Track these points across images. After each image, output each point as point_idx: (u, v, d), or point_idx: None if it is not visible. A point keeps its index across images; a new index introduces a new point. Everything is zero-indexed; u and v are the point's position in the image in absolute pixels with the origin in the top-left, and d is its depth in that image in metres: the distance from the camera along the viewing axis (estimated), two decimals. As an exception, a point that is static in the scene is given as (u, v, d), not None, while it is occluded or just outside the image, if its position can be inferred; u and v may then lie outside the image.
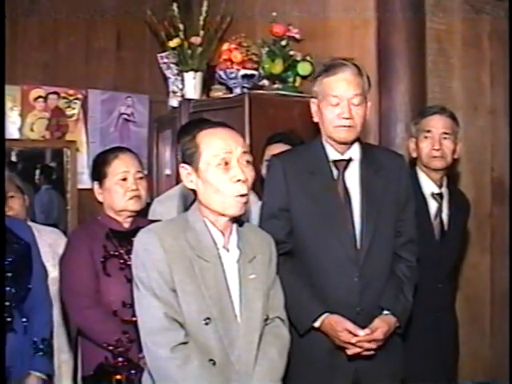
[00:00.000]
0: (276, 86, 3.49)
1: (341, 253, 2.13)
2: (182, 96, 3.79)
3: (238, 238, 1.87)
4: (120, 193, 2.30)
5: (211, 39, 3.74)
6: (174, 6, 3.73)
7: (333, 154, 2.21)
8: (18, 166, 5.23)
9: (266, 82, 3.55)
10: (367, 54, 3.15)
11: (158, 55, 3.97)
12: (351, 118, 2.13)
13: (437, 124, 2.65)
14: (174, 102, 3.86)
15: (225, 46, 3.48)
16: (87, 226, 2.38)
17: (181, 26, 3.73)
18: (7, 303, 2.14)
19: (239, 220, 1.91)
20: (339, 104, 2.13)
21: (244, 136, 3.26)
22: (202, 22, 3.73)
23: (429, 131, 2.66)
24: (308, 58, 3.42)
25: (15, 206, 2.89)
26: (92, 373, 2.20)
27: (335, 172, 2.20)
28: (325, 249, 2.14)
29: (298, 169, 2.19)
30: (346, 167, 2.20)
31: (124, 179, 2.31)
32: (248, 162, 1.84)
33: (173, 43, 3.74)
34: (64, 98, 4.15)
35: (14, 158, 5.06)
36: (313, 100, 2.22)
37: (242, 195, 1.80)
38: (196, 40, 3.70)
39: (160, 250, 1.73)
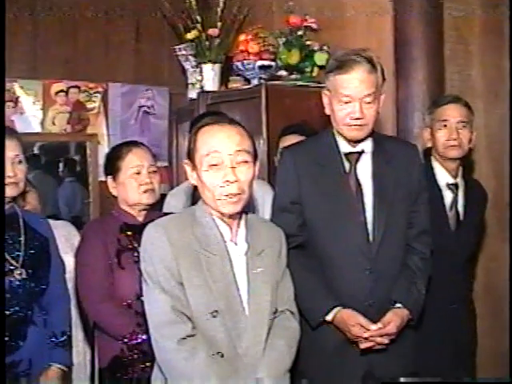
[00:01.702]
0: (293, 76, 3.48)
1: (352, 246, 2.12)
2: (201, 88, 3.80)
3: (246, 232, 1.88)
4: (134, 186, 2.33)
5: (229, 30, 3.74)
6: (192, -1, 3.73)
7: (344, 146, 2.19)
8: (42, 159, 5.34)
9: (283, 73, 3.54)
10: (384, 43, 3.11)
11: (176, 47, 3.98)
12: (363, 117, 2.10)
13: (453, 113, 2.62)
14: (192, 93, 3.88)
15: (242, 37, 3.48)
16: (101, 220, 2.42)
17: (198, 18, 3.74)
18: (27, 297, 2.17)
19: (247, 212, 1.91)
20: (350, 103, 2.09)
21: (261, 127, 3.28)
22: (219, 14, 3.74)
23: (445, 120, 2.62)
24: (325, 47, 3.40)
25: (32, 200, 2.94)
26: (108, 365, 2.23)
27: (347, 165, 2.18)
28: (336, 242, 2.13)
29: (310, 161, 2.18)
30: (357, 160, 2.18)
31: (138, 173, 2.34)
32: (245, 161, 1.81)
33: (190, 35, 3.76)
34: (84, 91, 4.17)
35: (36, 151, 5.18)
36: (325, 92, 2.19)
37: (233, 194, 1.79)
38: (213, 32, 3.70)
39: (167, 244, 1.75)
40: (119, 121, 4.31)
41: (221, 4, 3.72)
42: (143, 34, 4.33)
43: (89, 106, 4.20)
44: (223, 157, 1.78)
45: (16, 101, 3.93)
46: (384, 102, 2.86)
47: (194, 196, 1.91)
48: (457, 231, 2.60)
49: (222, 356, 1.74)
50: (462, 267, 2.61)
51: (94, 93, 4.22)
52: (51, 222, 2.91)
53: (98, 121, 4.25)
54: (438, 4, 2.98)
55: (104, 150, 4.22)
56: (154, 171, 2.39)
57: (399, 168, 2.19)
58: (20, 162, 2.23)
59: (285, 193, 2.20)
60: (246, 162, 1.82)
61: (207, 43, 3.73)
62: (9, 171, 2.15)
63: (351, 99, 2.09)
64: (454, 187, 2.63)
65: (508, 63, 3.03)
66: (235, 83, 3.60)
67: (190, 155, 1.84)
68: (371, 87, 2.09)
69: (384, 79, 2.18)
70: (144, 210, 2.38)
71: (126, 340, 2.16)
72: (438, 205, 2.56)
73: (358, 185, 2.15)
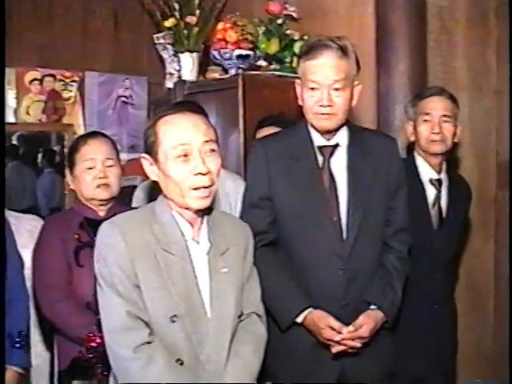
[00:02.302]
0: (272, 66, 3.36)
1: (325, 244, 2.02)
2: (179, 77, 3.68)
3: (209, 230, 1.76)
4: (87, 181, 2.23)
5: (207, 19, 3.61)
6: (170, -15, 3.61)
7: (318, 139, 2.08)
8: (20, 149, 5.22)
9: (262, 63, 3.42)
10: (366, 33, 3.02)
11: (154, 36, 3.86)
12: (331, 105, 1.99)
13: (436, 106, 2.51)
14: (170, 83, 3.77)
15: (219, 26, 3.35)
16: (62, 215, 2.32)
17: (176, 6, 3.61)
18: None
19: (212, 209, 1.80)
20: (318, 90, 1.99)
21: (237, 119, 3.16)
22: (197, 1, 3.61)
23: (428, 114, 2.51)
24: (305, 37, 3.27)
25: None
26: (67, 367, 2.13)
27: (320, 159, 2.07)
28: (308, 240, 2.03)
29: (281, 155, 2.07)
30: (332, 153, 2.08)
31: (91, 167, 2.22)
32: (212, 150, 1.70)
33: (168, 23, 3.62)
34: (60, 80, 4.04)
35: (15, 142, 5.06)
36: (297, 81, 2.09)
37: (205, 187, 1.68)
38: (191, 20, 3.57)
39: (122, 243, 1.63)
40: (96, 111, 4.19)
41: (199, -10, 3.58)
42: (122, 21, 4.19)
43: (65, 95, 4.06)
44: (192, 148, 1.67)
45: (-13, 89, 3.79)
46: (365, 94, 2.76)
47: (154, 193, 1.79)
48: (439, 229, 2.50)
49: (182, 364, 1.63)
50: (444, 266, 2.52)
51: (70, 82, 4.09)
52: (16, 214, 2.81)
53: (75, 111, 4.12)
54: (422, -8, 2.87)
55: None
56: (111, 165, 2.28)
57: (377, 162, 2.09)
58: None
59: (255, 188, 2.10)
60: (214, 150, 1.71)
61: (185, 32, 3.60)
62: None
63: (319, 85, 1.99)
64: (437, 183, 2.53)
65: (494, 57, 2.94)
66: (213, 73, 3.48)
67: (149, 149, 1.71)
68: (341, 73, 1.99)
69: (359, 68, 2.07)
70: (102, 204, 2.28)
71: (83, 341, 2.04)
72: (419, 201, 2.47)
73: (332, 180, 2.05)
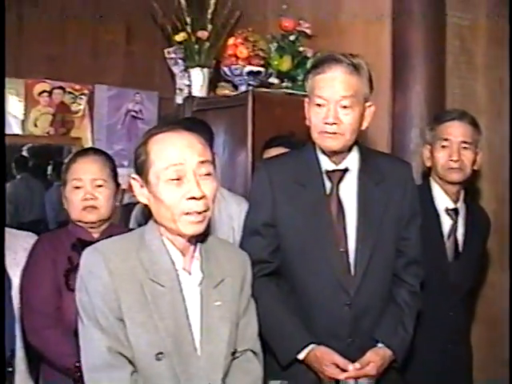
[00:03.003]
0: (284, 84, 3.25)
1: (330, 277, 1.88)
2: (189, 93, 3.59)
3: (202, 259, 1.62)
4: (74, 201, 2.11)
5: (219, 34, 3.52)
6: (182, -1, 3.53)
7: (326, 163, 1.95)
8: (30, 161, 5.16)
9: (275, 81, 3.31)
10: (382, 52, 2.89)
11: (165, 50, 3.78)
12: (337, 123, 1.85)
13: (455, 132, 2.36)
14: (179, 99, 3.67)
15: (230, 41, 3.25)
16: (53, 235, 2.19)
17: (188, 20, 3.53)
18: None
19: (207, 236, 1.67)
20: (325, 106, 1.86)
21: (246, 137, 3.05)
22: (209, 16, 3.52)
23: (446, 139, 2.37)
24: (319, 54, 3.16)
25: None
26: (52, 399, 2.00)
27: (328, 184, 1.93)
28: (312, 272, 1.89)
29: (287, 179, 1.93)
30: (341, 179, 1.94)
31: (77, 187, 2.10)
32: (208, 173, 1.57)
33: (179, 37, 3.55)
34: (70, 93, 3.98)
35: (25, 153, 5.00)
36: (306, 99, 1.97)
37: (198, 212, 1.54)
38: (203, 34, 3.49)
39: (105, 272, 1.49)
40: (105, 125, 4.12)
41: (211, 5, 3.49)
42: (134, 35, 4.12)
43: (74, 108, 3.99)
44: (186, 169, 1.53)
45: (-4, 100, 3.73)
46: (379, 115, 2.64)
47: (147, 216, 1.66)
48: (455, 262, 2.35)
49: (168, 406, 1.49)
50: (459, 302, 2.35)
51: (80, 95, 4.02)
52: (13, 231, 2.70)
53: (83, 124, 4.05)
54: (441, 10, 2.75)
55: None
56: (100, 185, 2.14)
57: (390, 189, 1.95)
58: None
59: (257, 213, 1.96)
60: (210, 174, 1.58)
61: (196, 46, 3.51)
62: None
63: (326, 102, 1.85)
64: (453, 213, 2.38)
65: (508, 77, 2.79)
66: (223, 89, 3.37)
67: (140, 170, 1.58)
68: (350, 89, 1.85)
69: (372, 88, 1.94)
70: (95, 227, 2.15)
71: (68, 372, 1.91)
72: (434, 232, 2.32)
73: (340, 208, 1.91)
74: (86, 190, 2.11)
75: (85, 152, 2.22)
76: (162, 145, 1.55)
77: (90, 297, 1.50)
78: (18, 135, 3.87)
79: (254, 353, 1.70)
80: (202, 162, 1.55)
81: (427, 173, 2.52)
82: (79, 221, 2.14)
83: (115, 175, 2.23)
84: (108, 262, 1.50)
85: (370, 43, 2.98)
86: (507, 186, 2.81)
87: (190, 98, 3.49)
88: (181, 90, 3.74)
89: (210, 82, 3.55)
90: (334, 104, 1.84)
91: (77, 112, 3.99)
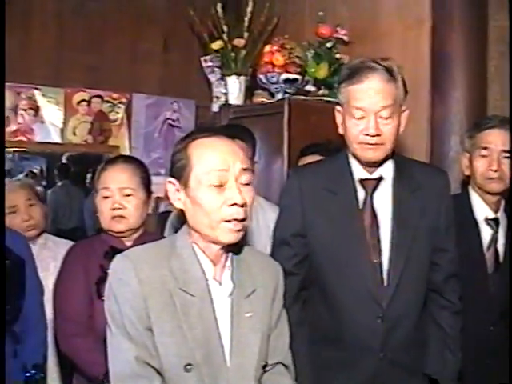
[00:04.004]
0: (321, 92, 3.21)
1: (362, 289, 1.82)
2: (226, 101, 3.59)
3: (233, 269, 1.59)
4: (103, 211, 2.11)
5: (256, 42, 3.51)
6: (219, 7, 3.53)
7: (359, 171, 1.89)
8: (70, 169, 5.24)
9: (311, 88, 3.28)
10: (421, 57, 2.84)
11: (202, 58, 3.79)
12: (379, 134, 1.79)
13: (496, 140, 2.27)
14: (216, 107, 3.67)
15: (267, 48, 3.24)
16: (87, 243, 2.19)
17: (224, 28, 3.52)
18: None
19: (241, 246, 1.63)
20: (364, 118, 1.80)
21: (282, 145, 3.03)
22: (246, 24, 3.51)
23: (486, 148, 2.28)
24: (350, 62, 3.11)
25: (36, 215, 2.77)
26: (83, 407, 2.00)
27: (362, 193, 1.88)
28: (343, 283, 1.84)
29: (318, 186, 1.88)
30: (375, 188, 1.88)
31: (106, 197, 2.10)
32: (248, 183, 1.54)
33: (215, 45, 3.56)
34: (108, 101, 4.02)
35: (64, 161, 5.08)
36: (337, 108, 1.92)
37: (238, 220, 1.51)
38: (239, 42, 3.48)
39: (134, 280, 1.47)
40: (143, 133, 4.15)
41: (248, 13, 3.48)
42: (171, 43, 4.16)
43: (112, 116, 4.04)
44: (228, 176, 1.51)
45: (37, 109, 3.80)
46: (417, 123, 2.58)
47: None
48: (495, 274, 2.25)
49: (196, 418, 1.46)
50: (500, 316, 2.25)
51: (118, 103, 4.07)
52: (55, 239, 2.74)
53: (121, 132, 4.09)
54: (483, 14, 2.67)
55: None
56: (129, 194, 2.12)
57: (426, 198, 1.88)
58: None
59: (286, 222, 1.92)
60: (249, 183, 1.55)
61: (233, 54, 3.51)
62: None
63: (365, 113, 1.79)
64: (493, 223, 2.29)
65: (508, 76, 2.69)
66: (260, 97, 3.37)
67: (178, 174, 1.55)
68: (389, 99, 1.79)
69: (406, 92, 1.88)
70: (125, 236, 2.14)
71: (101, 381, 1.90)
72: (473, 243, 2.23)
73: (374, 217, 1.85)
74: (114, 200, 2.10)
75: (114, 160, 2.21)
76: (205, 149, 1.52)
77: (119, 305, 1.48)
78: (57, 144, 3.92)
79: (286, 366, 1.66)
80: (244, 170, 1.53)
81: (466, 181, 2.44)
82: (109, 230, 2.13)
83: (147, 183, 2.20)
84: (138, 269, 1.48)
85: (409, 49, 2.93)
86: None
87: (226, 105, 3.48)
88: (217, 98, 3.74)
89: (246, 89, 3.55)
90: (373, 115, 1.79)
91: (115, 120, 4.04)
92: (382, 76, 1.79)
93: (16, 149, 3.98)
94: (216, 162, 1.50)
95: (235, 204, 1.49)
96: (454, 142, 2.63)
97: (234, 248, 1.60)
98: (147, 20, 4.04)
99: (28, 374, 2.03)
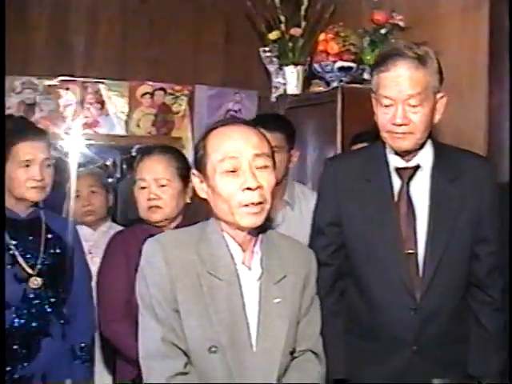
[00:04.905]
0: (377, 79, 3.14)
1: (396, 280, 1.78)
2: (284, 91, 3.59)
3: (262, 254, 1.60)
4: (141, 202, 2.18)
5: (313, 30, 3.48)
6: (276, -4, 3.52)
7: (396, 160, 1.85)
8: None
9: (368, 76, 3.22)
10: (479, 43, 2.71)
11: (261, 49, 3.79)
12: (406, 123, 1.74)
13: None
14: (274, 97, 3.68)
15: (321, 37, 3.20)
16: (130, 230, 2.26)
17: (282, 18, 3.52)
18: (42, 308, 2.06)
19: (271, 231, 1.64)
20: (392, 106, 1.76)
21: (335, 135, 3.00)
22: (303, 13, 3.49)
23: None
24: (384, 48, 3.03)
25: (96, 202, 2.90)
26: (125, 389, 2.07)
27: (398, 182, 1.84)
28: (377, 273, 1.81)
29: (353, 175, 1.86)
30: (411, 176, 1.83)
31: (143, 187, 2.15)
32: (266, 166, 1.55)
33: (272, 35, 3.55)
34: (170, 94, 4.10)
35: (134, 153, 5.21)
36: (373, 95, 1.88)
37: (255, 204, 1.52)
38: (296, 31, 3.46)
39: (162, 262, 1.52)
40: (205, 124, 4.16)
41: (305, 2, 3.46)
42: (233, 34, 4.17)
43: (174, 108, 4.11)
44: (241, 161, 1.53)
45: (102, 102, 3.93)
46: (475, 111, 2.49)
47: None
48: None
49: (220, 399, 1.49)
50: None
51: (181, 95, 4.13)
52: (118, 228, 2.83)
53: (184, 124, 4.15)
54: (545, -4, 2.53)
55: (189, 154, 4.14)
56: (164, 185, 2.18)
57: (466, 187, 1.82)
58: (49, 165, 2.12)
59: (323, 212, 1.91)
60: (267, 166, 1.56)
61: (290, 44, 3.50)
62: (37, 175, 2.04)
63: (392, 101, 1.75)
64: None
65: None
66: (316, 86, 3.34)
67: (199, 164, 1.60)
68: (417, 87, 1.73)
69: (442, 78, 1.81)
70: (163, 224, 2.19)
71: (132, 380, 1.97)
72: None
73: (410, 206, 1.81)
74: (150, 190, 2.16)
75: (151, 151, 2.26)
76: (219, 138, 1.56)
77: (148, 286, 1.53)
78: (121, 136, 4.03)
79: (315, 354, 1.66)
80: (258, 155, 1.54)
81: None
82: (147, 220, 2.19)
83: (184, 173, 2.23)
84: (166, 252, 1.53)
85: (467, 34, 2.81)
86: None
87: (282, 95, 3.48)
88: (277, 88, 3.74)
89: (304, 79, 3.52)
90: (401, 103, 1.74)
91: (177, 112, 4.10)
92: (411, 63, 1.73)
93: (86, 142, 4.12)
94: (228, 149, 1.53)
95: (249, 188, 1.50)
96: (513, 130, 2.52)
97: (263, 233, 1.61)
98: (209, 12, 4.09)
99: (76, 354, 2.12)
